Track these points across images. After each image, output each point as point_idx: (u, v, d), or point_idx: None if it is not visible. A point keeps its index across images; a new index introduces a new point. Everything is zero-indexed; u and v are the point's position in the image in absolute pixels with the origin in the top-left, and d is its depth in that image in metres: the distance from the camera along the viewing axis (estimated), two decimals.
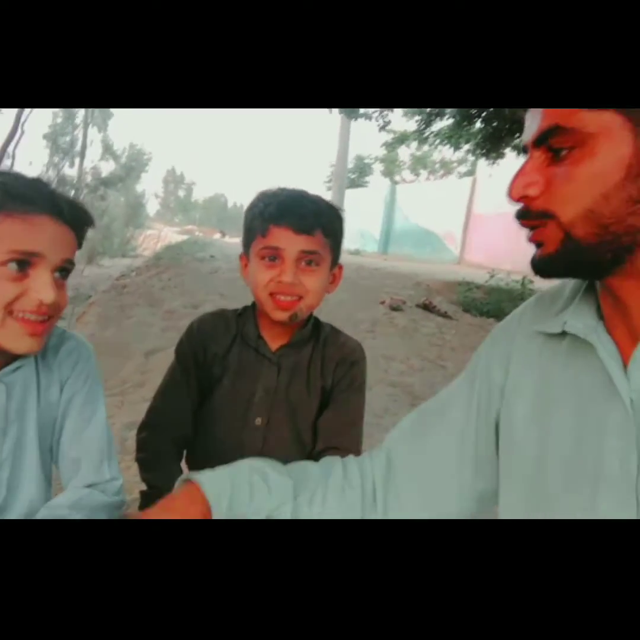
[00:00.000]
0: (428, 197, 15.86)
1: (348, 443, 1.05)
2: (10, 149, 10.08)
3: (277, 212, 1.00)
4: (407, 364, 3.79)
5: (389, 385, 3.31)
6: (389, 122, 7.63)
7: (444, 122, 7.24)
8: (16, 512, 0.83)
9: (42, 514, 0.80)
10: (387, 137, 8.74)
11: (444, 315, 5.36)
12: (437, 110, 6.78)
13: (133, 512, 0.90)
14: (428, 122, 7.24)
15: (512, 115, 6.15)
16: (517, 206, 0.58)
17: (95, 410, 0.90)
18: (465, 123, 6.84)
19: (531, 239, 0.58)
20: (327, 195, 1.13)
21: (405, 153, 23.45)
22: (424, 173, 24.44)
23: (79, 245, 0.83)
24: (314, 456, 1.06)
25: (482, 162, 8.41)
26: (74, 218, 0.80)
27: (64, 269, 0.80)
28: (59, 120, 22.68)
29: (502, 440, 0.68)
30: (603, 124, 0.51)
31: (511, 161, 6.30)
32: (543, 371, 0.64)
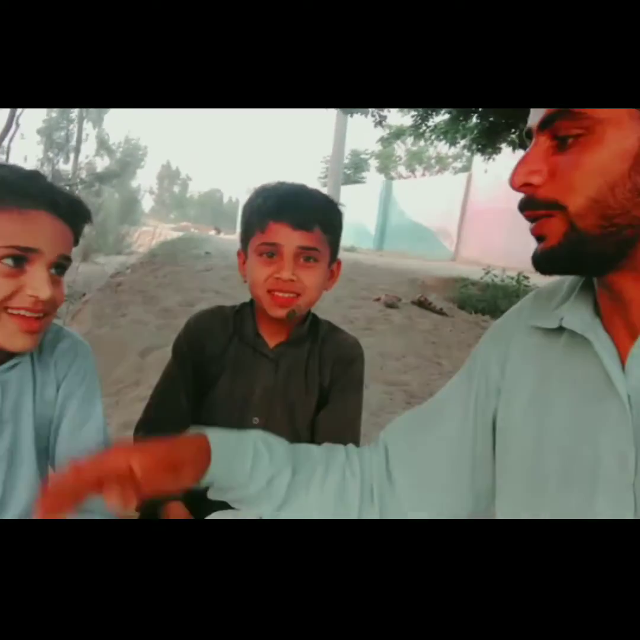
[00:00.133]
0: (424, 193, 15.86)
1: (346, 441, 1.05)
2: (5, 143, 10.02)
3: (275, 208, 0.99)
4: (402, 361, 3.79)
5: (385, 383, 3.30)
6: (385, 118, 7.61)
7: (440, 117, 7.23)
8: (11, 513, 0.83)
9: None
10: (383, 132, 8.70)
11: (440, 312, 5.36)
12: None
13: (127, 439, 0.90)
14: (424, 118, 7.22)
15: (507, 110, 6.14)
16: (514, 203, 0.57)
17: (93, 409, 0.89)
18: (461, 118, 6.83)
19: (534, 232, 0.57)
20: (322, 191, 1.12)
21: (401, 148, 23.46)
22: (419, 169, 24.45)
23: (76, 242, 0.82)
24: None
25: (478, 158, 8.40)
26: (71, 213, 0.79)
27: (60, 265, 0.79)
28: (54, 114, 22.56)
29: (499, 437, 0.68)
30: (612, 112, 0.50)
31: (507, 157, 6.29)
32: (540, 367, 0.64)
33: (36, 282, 0.74)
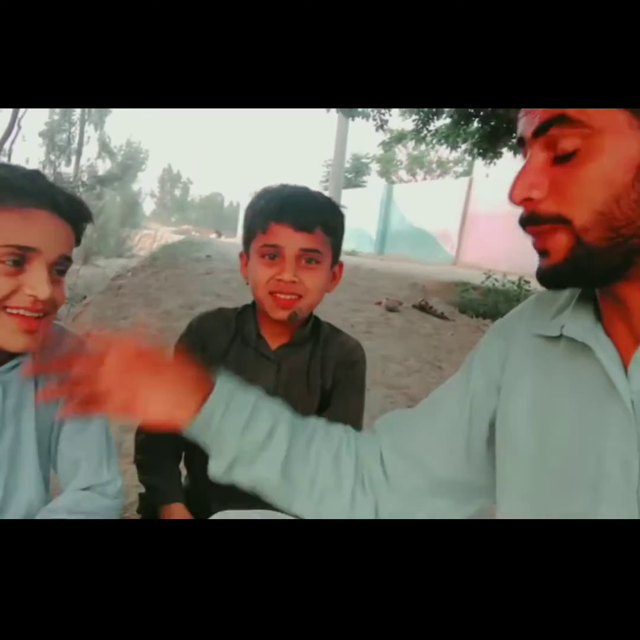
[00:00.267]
0: (425, 197, 15.87)
1: None
2: (6, 146, 10.04)
3: (277, 209, 0.99)
4: (403, 365, 3.78)
5: (386, 387, 3.30)
6: (386, 122, 7.62)
7: (442, 122, 7.24)
8: (13, 514, 0.82)
9: (41, 518, 0.79)
10: (384, 136, 8.71)
11: (441, 316, 5.35)
12: (434, 109, 6.78)
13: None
14: (425, 122, 7.23)
15: (509, 114, 6.15)
16: (515, 207, 0.55)
17: None
18: (462, 122, 6.84)
19: (536, 247, 0.55)
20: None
21: (402, 153, 23.49)
22: (420, 173, 24.47)
23: (77, 242, 0.82)
24: None
25: (479, 162, 8.40)
26: (72, 213, 0.79)
27: (61, 265, 0.79)
28: (56, 117, 22.60)
29: (499, 439, 0.67)
30: (611, 120, 0.49)
31: (508, 161, 6.30)
32: (541, 372, 0.63)
33: (35, 281, 0.74)
